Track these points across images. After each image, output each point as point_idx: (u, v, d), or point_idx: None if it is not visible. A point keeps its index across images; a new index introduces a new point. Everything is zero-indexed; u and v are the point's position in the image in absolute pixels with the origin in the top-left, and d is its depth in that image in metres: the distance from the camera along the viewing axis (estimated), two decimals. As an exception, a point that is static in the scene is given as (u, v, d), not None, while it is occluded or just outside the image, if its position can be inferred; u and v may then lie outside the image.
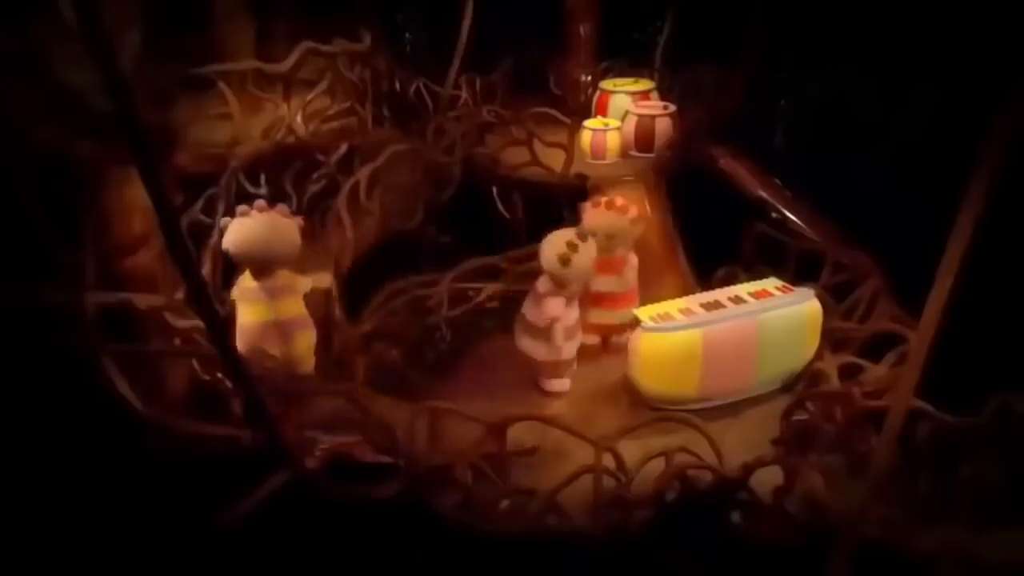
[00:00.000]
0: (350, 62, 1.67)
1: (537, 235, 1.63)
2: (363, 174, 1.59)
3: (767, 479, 1.07)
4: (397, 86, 1.91)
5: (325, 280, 1.37)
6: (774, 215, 1.76)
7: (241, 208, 1.23)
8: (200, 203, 1.44)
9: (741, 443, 1.21)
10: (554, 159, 1.72)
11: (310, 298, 1.32)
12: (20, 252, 1.14)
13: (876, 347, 1.34)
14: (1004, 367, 1.08)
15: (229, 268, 1.34)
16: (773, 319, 1.31)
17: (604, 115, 1.85)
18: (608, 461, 1.09)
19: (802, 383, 1.35)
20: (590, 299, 1.44)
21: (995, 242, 0.92)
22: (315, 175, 1.63)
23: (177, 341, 1.28)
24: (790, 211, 1.76)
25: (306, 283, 1.30)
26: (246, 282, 1.26)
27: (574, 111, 1.92)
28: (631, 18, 2.18)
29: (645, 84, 1.90)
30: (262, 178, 1.59)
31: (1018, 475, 0.99)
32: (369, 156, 1.63)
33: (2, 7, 1.19)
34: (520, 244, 1.76)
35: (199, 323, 1.20)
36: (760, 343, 1.31)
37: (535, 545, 1.11)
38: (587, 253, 1.28)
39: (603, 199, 1.42)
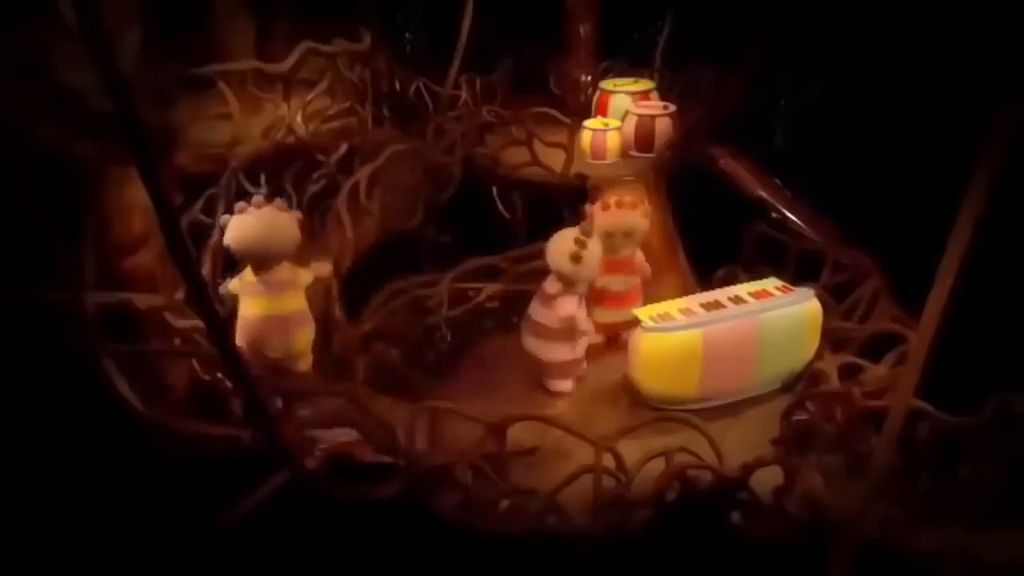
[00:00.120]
0: (350, 62, 1.67)
1: (537, 235, 1.63)
2: (363, 174, 1.59)
3: (767, 479, 1.07)
4: (397, 86, 1.91)
5: (325, 268, 1.38)
6: (774, 215, 1.76)
7: (239, 205, 1.25)
8: (200, 203, 1.44)
9: (741, 443, 1.21)
10: (554, 159, 1.72)
11: (311, 291, 1.34)
12: (20, 252, 1.14)
13: (876, 347, 1.35)
14: (1004, 367, 1.08)
15: (229, 267, 1.35)
16: (773, 319, 1.31)
17: (604, 115, 1.85)
18: (608, 461, 1.09)
19: (802, 383, 1.35)
20: (595, 298, 1.43)
21: (995, 242, 0.92)
22: (315, 175, 1.62)
23: (177, 341, 1.28)
24: (790, 211, 1.76)
25: (307, 276, 1.31)
26: (247, 276, 1.28)
27: (574, 111, 1.92)
28: (631, 18, 2.18)
29: (645, 84, 1.90)
30: (262, 178, 1.59)
31: (1018, 475, 1.00)
32: (369, 156, 1.63)
33: (2, 7, 1.19)
34: (520, 244, 1.76)
35: (199, 323, 1.20)
36: (760, 343, 1.31)
37: (535, 545, 1.11)
38: (595, 250, 1.29)
39: (611, 199, 1.41)
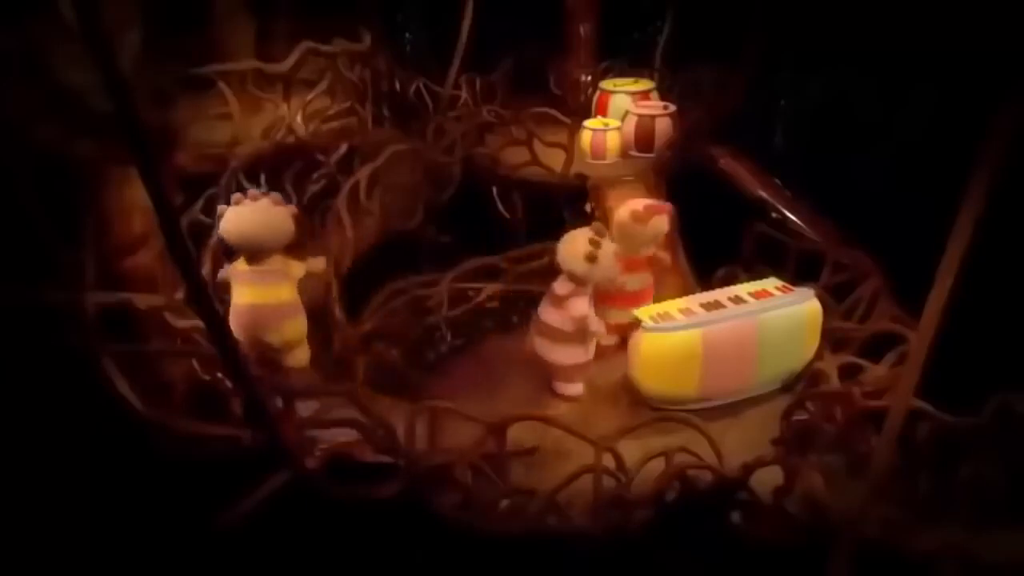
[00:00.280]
0: (350, 62, 1.67)
1: (537, 235, 1.64)
2: (363, 174, 1.59)
3: (767, 479, 1.07)
4: (397, 86, 1.91)
5: (319, 264, 1.38)
6: (774, 215, 1.76)
7: (235, 196, 1.28)
8: (200, 203, 1.44)
9: (741, 443, 1.21)
10: (554, 159, 1.72)
11: (308, 285, 1.35)
12: (20, 252, 1.14)
13: (876, 347, 1.35)
14: (1004, 367, 1.08)
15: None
16: (773, 319, 1.31)
17: (604, 115, 1.85)
18: (608, 461, 1.09)
19: (802, 383, 1.35)
20: (609, 299, 1.42)
21: (995, 242, 0.92)
22: (315, 175, 1.63)
23: (177, 341, 1.28)
24: (790, 211, 1.76)
25: (300, 268, 1.33)
26: (240, 265, 1.30)
27: (574, 111, 1.92)
28: (631, 18, 2.18)
29: (645, 84, 1.90)
30: (262, 178, 1.59)
31: (1018, 475, 1.00)
32: (369, 156, 1.63)
33: (2, 7, 1.19)
34: (520, 244, 1.76)
35: (199, 323, 1.20)
36: (760, 343, 1.31)
37: (535, 545, 1.11)
38: (610, 249, 1.28)
39: (639, 207, 1.40)
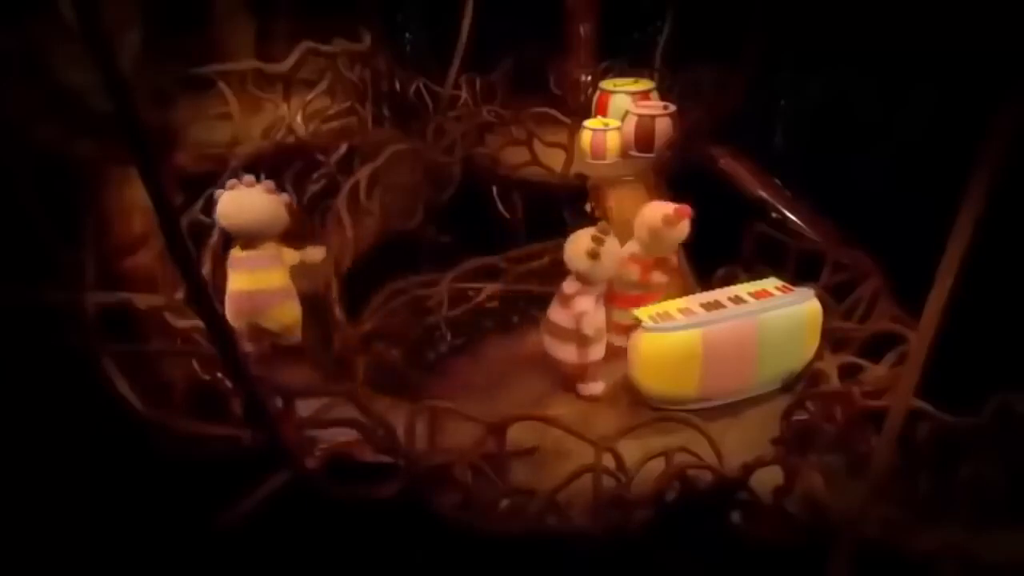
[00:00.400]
0: (350, 62, 1.67)
1: (537, 235, 1.63)
2: (363, 174, 1.59)
3: (767, 479, 1.07)
4: (397, 86, 1.91)
5: (318, 254, 1.40)
6: (774, 215, 1.76)
7: (230, 182, 1.31)
8: (200, 203, 1.44)
9: (741, 443, 1.21)
10: (554, 159, 1.72)
11: (308, 275, 1.38)
12: (20, 252, 1.14)
13: (876, 347, 1.34)
14: (1004, 367, 1.08)
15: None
16: (773, 319, 1.31)
17: (604, 115, 1.85)
18: (608, 461, 1.09)
19: (802, 383, 1.34)
20: (619, 300, 1.42)
21: (995, 242, 0.92)
22: (315, 175, 1.62)
23: (177, 341, 1.28)
24: (790, 211, 1.76)
25: (293, 256, 1.36)
26: (236, 252, 1.33)
27: (574, 111, 1.92)
28: (631, 18, 2.18)
29: (645, 84, 1.90)
30: (262, 178, 1.59)
31: (1018, 475, 1.00)
32: (369, 156, 1.63)
33: (2, 7, 1.19)
34: (520, 244, 1.76)
35: (199, 323, 1.20)
36: (760, 343, 1.30)
37: (535, 545, 1.11)
38: (613, 247, 1.28)
39: (668, 210, 1.38)
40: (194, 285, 0.89)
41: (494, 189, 1.94)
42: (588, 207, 1.73)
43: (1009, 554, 0.96)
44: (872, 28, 1.64)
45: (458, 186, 1.77)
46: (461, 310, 1.63)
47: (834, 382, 1.27)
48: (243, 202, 1.30)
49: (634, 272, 1.41)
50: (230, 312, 1.32)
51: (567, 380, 1.37)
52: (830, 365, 1.31)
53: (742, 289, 1.37)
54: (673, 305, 1.33)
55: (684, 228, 1.40)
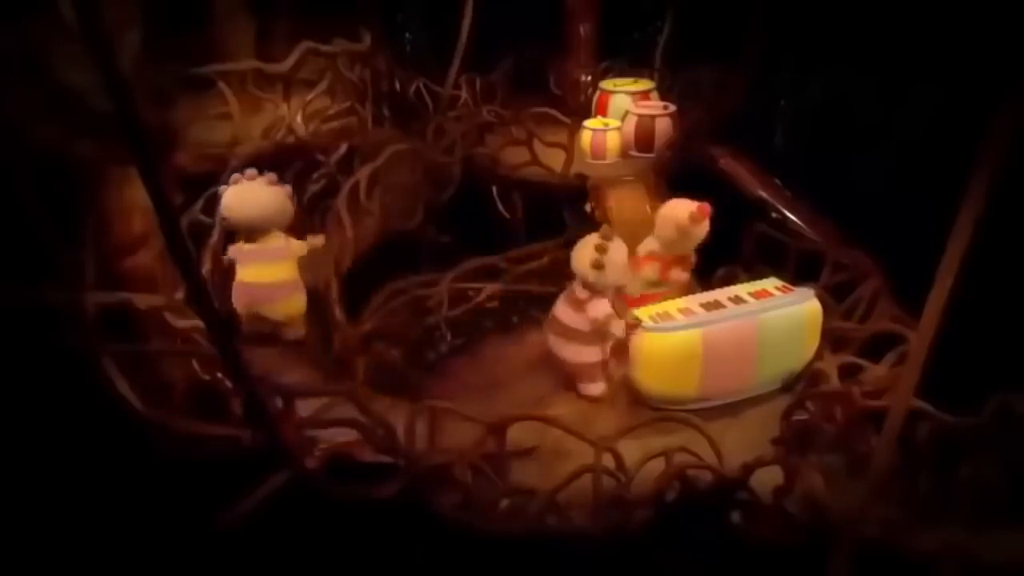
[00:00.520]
0: (350, 62, 1.68)
1: (537, 235, 1.63)
2: (363, 174, 1.59)
3: (767, 479, 1.07)
4: (397, 86, 1.91)
5: (319, 240, 1.41)
6: (774, 215, 1.76)
7: (234, 177, 1.32)
8: (200, 203, 1.44)
9: (741, 443, 1.21)
10: (554, 159, 1.72)
11: (312, 265, 1.40)
12: (20, 252, 1.14)
13: (876, 347, 1.34)
14: (1004, 367, 1.08)
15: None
16: (773, 319, 1.31)
17: (604, 115, 1.86)
18: (608, 461, 1.09)
19: (802, 383, 1.34)
20: (640, 299, 1.42)
21: (995, 242, 0.92)
22: (315, 175, 1.63)
23: (177, 341, 1.28)
24: (790, 211, 1.76)
25: (300, 247, 1.37)
26: (242, 245, 1.35)
27: (574, 111, 1.93)
28: (631, 18, 2.18)
29: (645, 84, 1.90)
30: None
31: (1018, 475, 0.99)
32: (369, 156, 1.63)
33: (2, 7, 1.19)
34: (520, 244, 1.76)
35: (199, 323, 1.20)
36: (760, 343, 1.30)
37: (535, 545, 1.11)
38: (617, 255, 1.27)
39: (692, 207, 1.39)
40: (194, 285, 0.89)
41: (494, 189, 1.94)
42: (588, 207, 1.73)
43: (1009, 554, 0.96)
44: (872, 28, 1.64)
45: (458, 186, 1.77)
46: (461, 310, 1.63)
47: (834, 382, 1.27)
48: (247, 195, 1.31)
49: (654, 270, 1.41)
50: (238, 304, 1.34)
51: (569, 380, 1.37)
52: (830, 365, 1.31)
53: (742, 289, 1.37)
54: (673, 305, 1.33)
55: (706, 225, 1.41)
